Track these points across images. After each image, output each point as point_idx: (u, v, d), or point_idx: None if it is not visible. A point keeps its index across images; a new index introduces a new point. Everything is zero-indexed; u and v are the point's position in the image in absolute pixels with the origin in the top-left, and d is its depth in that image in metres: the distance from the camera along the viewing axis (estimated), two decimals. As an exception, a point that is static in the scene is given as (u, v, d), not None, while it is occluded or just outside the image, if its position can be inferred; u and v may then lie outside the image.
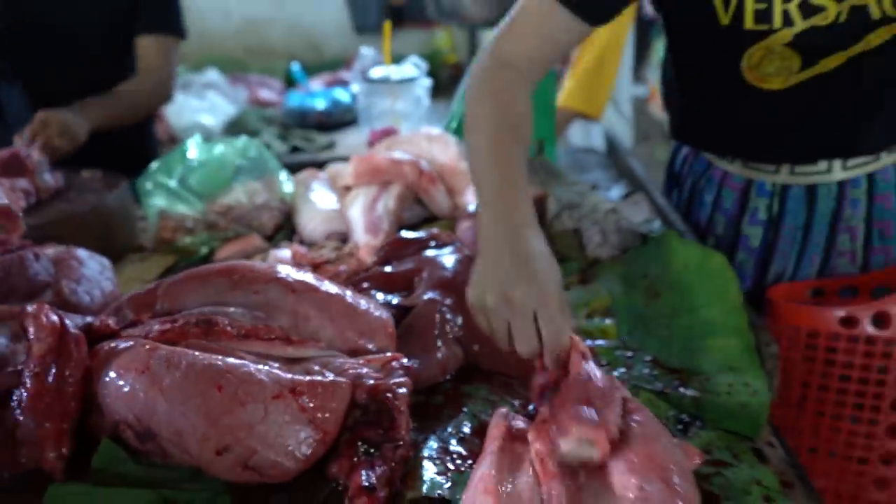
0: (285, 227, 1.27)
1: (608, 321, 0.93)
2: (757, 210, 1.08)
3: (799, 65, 0.89)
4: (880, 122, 0.96)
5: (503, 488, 0.53)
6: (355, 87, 1.83)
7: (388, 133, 1.58)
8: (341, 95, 2.30)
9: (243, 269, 0.79)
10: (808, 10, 0.84)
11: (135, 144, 1.68)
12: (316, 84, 2.63)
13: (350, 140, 2.16)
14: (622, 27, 2.00)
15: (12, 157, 1.16)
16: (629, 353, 0.86)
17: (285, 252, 1.08)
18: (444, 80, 2.71)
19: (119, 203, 1.19)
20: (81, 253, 0.95)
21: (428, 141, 1.33)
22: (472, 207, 1.15)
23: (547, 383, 0.66)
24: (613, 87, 2.05)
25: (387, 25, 1.64)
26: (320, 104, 2.25)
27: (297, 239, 1.21)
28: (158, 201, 1.23)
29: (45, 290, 0.86)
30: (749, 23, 0.87)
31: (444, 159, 1.28)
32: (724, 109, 1.03)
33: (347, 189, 1.29)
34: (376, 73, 1.73)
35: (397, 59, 1.79)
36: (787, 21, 0.85)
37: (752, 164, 1.07)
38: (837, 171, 1.01)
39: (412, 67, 1.76)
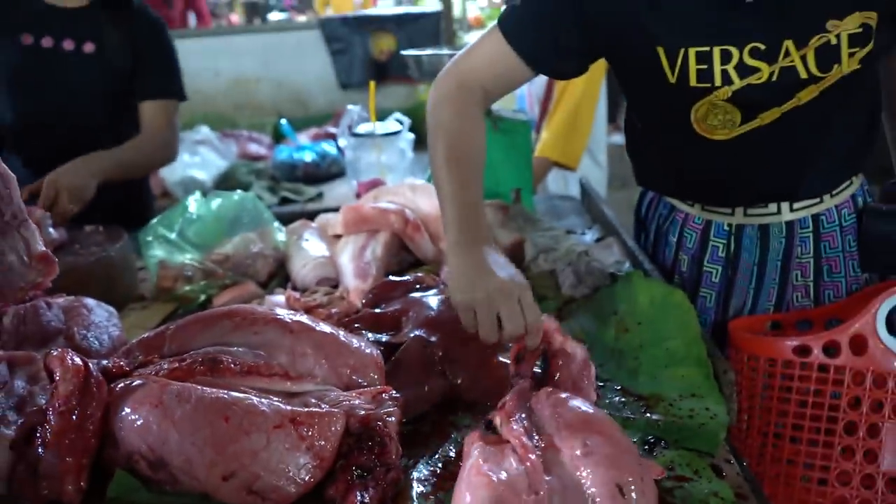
0: (279, 275, 1.34)
1: (582, 355, 1.00)
2: (716, 249, 1.17)
3: (740, 119, 0.99)
4: (819, 170, 1.06)
5: (490, 468, 0.61)
6: (342, 142, 1.92)
7: (375, 184, 1.66)
8: (329, 148, 2.39)
9: (244, 313, 0.86)
10: (743, 71, 0.94)
11: (132, 199, 1.75)
12: (303, 138, 2.73)
13: (337, 191, 2.25)
14: (595, 81, 2.11)
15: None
16: (601, 384, 0.93)
17: (280, 297, 1.15)
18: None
19: (121, 255, 1.26)
20: (89, 302, 1.02)
21: (412, 191, 1.41)
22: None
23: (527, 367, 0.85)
24: (589, 138, 2.16)
25: (371, 87, 1.74)
26: (308, 157, 2.34)
27: (290, 285, 1.28)
28: (158, 252, 1.29)
29: (57, 337, 0.93)
30: (693, 81, 0.97)
31: (428, 208, 1.35)
32: (680, 158, 1.13)
33: (337, 237, 1.37)
34: (362, 128, 1.82)
35: (382, 114, 1.89)
36: (727, 80, 0.95)
37: (709, 207, 1.16)
38: (786, 212, 1.11)
39: (396, 123, 1.86)
